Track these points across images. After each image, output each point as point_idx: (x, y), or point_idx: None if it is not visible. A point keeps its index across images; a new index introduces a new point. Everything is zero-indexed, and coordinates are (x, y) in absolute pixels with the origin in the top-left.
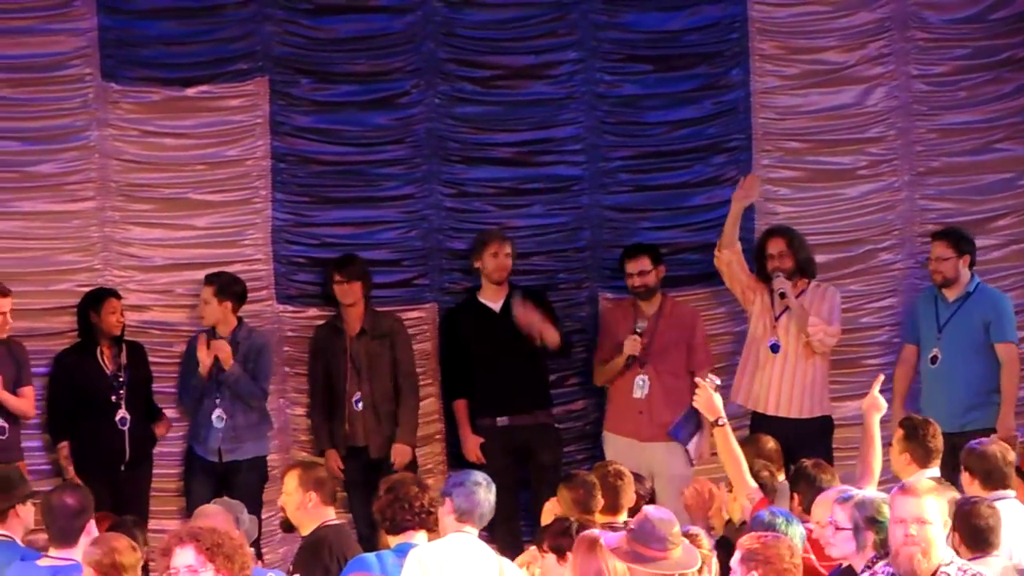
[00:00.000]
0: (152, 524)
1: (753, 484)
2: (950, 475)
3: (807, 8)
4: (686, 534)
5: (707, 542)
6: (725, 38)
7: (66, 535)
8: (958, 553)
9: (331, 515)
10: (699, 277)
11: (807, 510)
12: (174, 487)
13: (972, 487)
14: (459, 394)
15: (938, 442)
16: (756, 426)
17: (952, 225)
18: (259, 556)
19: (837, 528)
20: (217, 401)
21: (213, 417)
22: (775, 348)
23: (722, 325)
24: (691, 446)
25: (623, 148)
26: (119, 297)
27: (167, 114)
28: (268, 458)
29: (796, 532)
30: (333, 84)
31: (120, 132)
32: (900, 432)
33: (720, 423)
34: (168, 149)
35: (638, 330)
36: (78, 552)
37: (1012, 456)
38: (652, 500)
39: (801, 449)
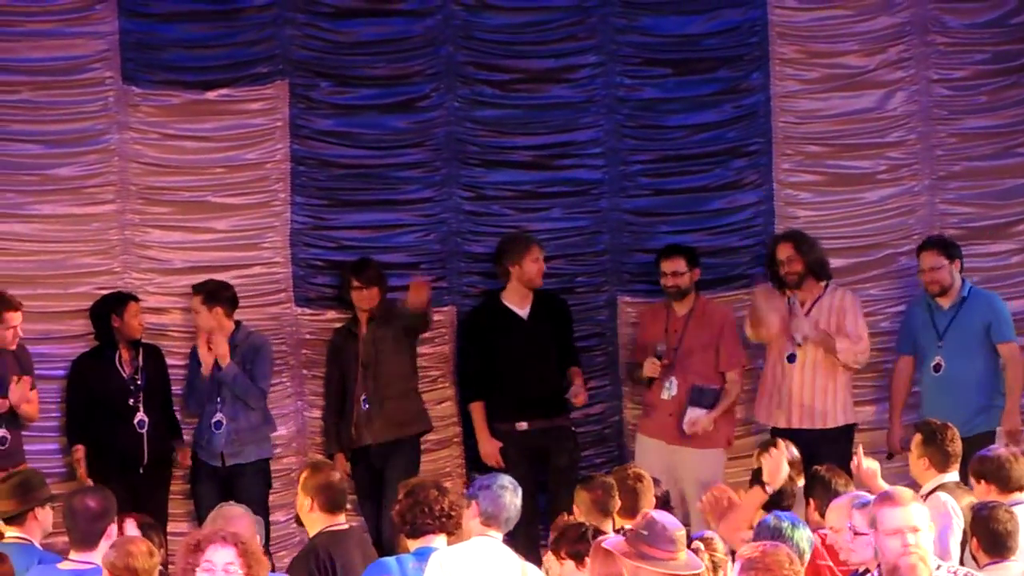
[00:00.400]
0: None
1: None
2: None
3: (827, 12)
4: (702, 538)
5: (722, 547)
6: (745, 42)
7: (87, 538)
8: (976, 558)
9: (336, 521)
10: (718, 281)
11: (824, 515)
12: (181, 490)
13: (989, 494)
14: (476, 396)
15: (956, 446)
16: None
17: (934, 235)
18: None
19: (856, 533)
20: (219, 405)
21: (213, 421)
22: (791, 359)
23: (740, 330)
24: (694, 414)
25: (643, 152)
26: (138, 300)
27: (187, 117)
28: (286, 460)
29: (803, 536)
30: (353, 88)
31: (140, 135)
32: (918, 437)
33: (767, 489)
34: (188, 152)
35: (659, 353)
36: (98, 556)
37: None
38: (666, 504)
39: (824, 459)
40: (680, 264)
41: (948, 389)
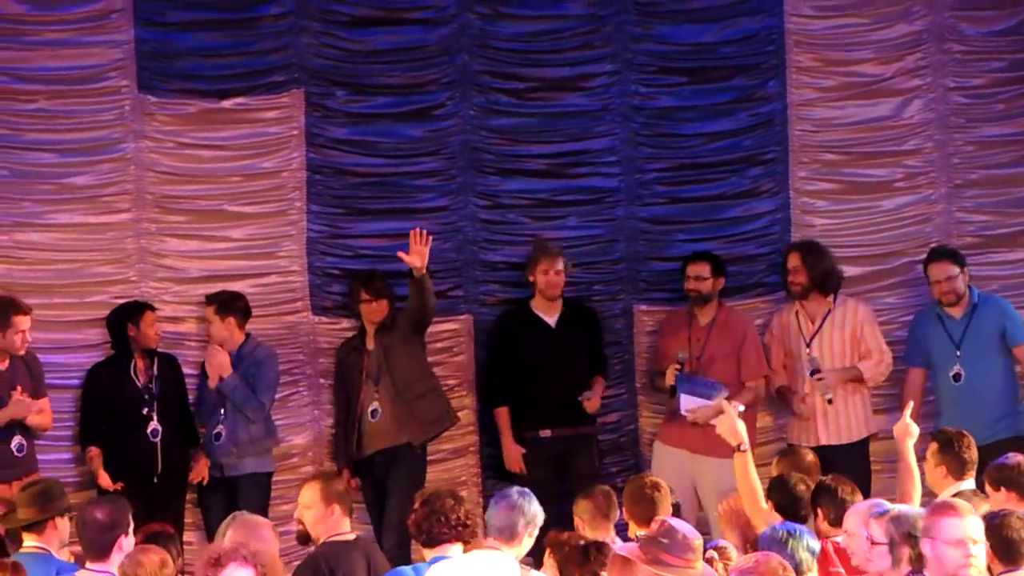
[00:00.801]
0: None
1: (765, 507)
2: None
3: (844, 20)
4: (716, 548)
5: (736, 556)
6: (761, 50)
7: (97, 549)
8: (989, 567)
9: (345, 528)
10: (734, 290)
11: (832, 524)
12: (191, 499)
13: (1008, 502)
14: (501, 402)
15: (973, 453)
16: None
17: (939, 246)
18: None
19: (873, 543)
20: (221, 416)
21: (214, 432)
22: (813, 374)
23: (760, 338)
24: (692, 402)
25: (658, 160)
26: (155, 310)
27: (203, 126)
28: (303, 470)
29: (802, 546)
30: (368, 96)
31: (156, 144)
32: (935, 445)
33: (742, 448)
34: (204, 161)
35: (680, 361)
36: (113, 566)
37: None
38: (677, 513)
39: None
40: (704, 269)
41: (969, 398)
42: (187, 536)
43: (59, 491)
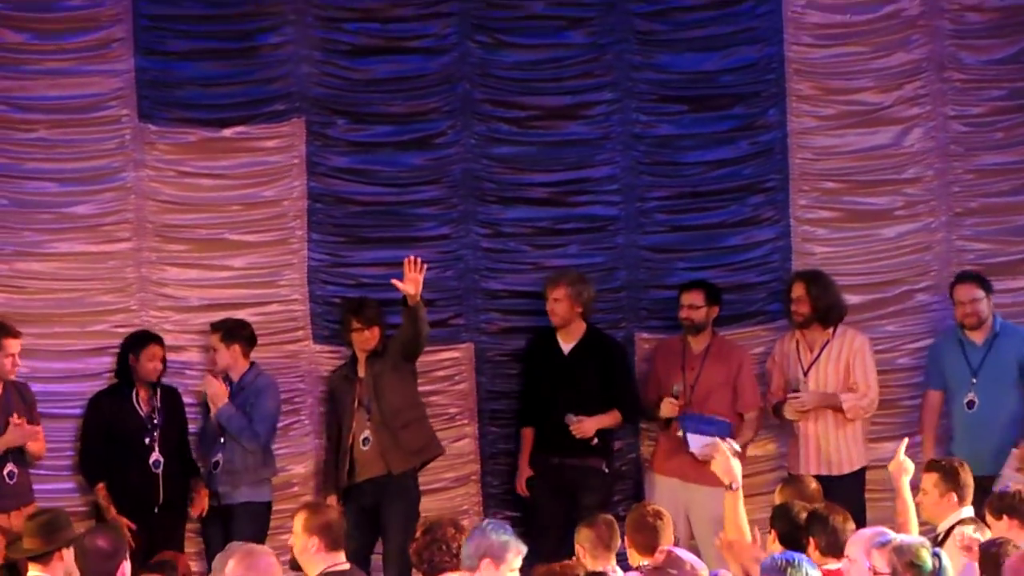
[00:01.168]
0: None
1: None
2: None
3: (844, 49)
4: None
5: None
6: (761, 79)
7: None
8: None
9: (337, 560)
10: (734, 318)
11: (824, 552)
12: (192, 528)
13: (1011, 530)
14: (526, 423)
15: (970, 479)
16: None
17: (968, 269)
18: None
19: (875, 573)
20: (221, 443)
21: (213, 461)
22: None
23: (760, 366)
24: (702, 441)
25: (659, 188)
26: (162, 344)
27: (204, 155)
28: (306, 499)
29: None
30: (369, 125)
31: (157, 173)
32: (936, 476)
33: (733, 487)
34: (204, 190)
35: (675, 393)
36: None
37: None
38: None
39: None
40: (698, 298)
41: (981, 426)
42: (192, 565)
43: (65, 522)
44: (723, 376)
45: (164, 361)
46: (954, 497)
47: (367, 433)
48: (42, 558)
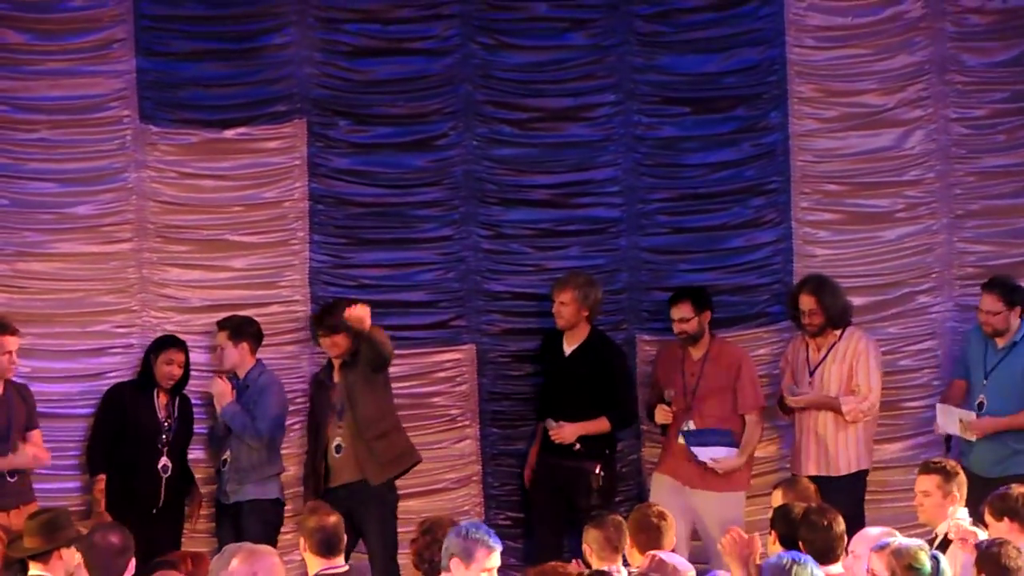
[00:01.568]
0: None
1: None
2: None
3: (846, 51)
4: None
5: None
6: (763, 81)
7: (108, 574)
8: None
9: (333, 563)
10: (738, 319)
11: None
12: (204, 528)
13: (1012, 532)
14: (540, 417)
15: (964, 479)
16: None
17: (999, 274)
18: None
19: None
20: (230, 443)
21: (222, 459)
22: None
23: (763, 367)
24: (711, 452)
25: (661, 190)
26: (184, 349)
27: (205, 156)
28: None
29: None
30: (371, 126)
31: (158, 174)
32: (937, 479)
33: None
34: (206, 191)
35: (667, 399)
36: None
37: None
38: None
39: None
40: (686, 310)
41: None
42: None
43: (66, 521)
44: (723, 380)
45: (186, 368)
46: (956, 497)
47: (339, 440)
48: (42, 557)
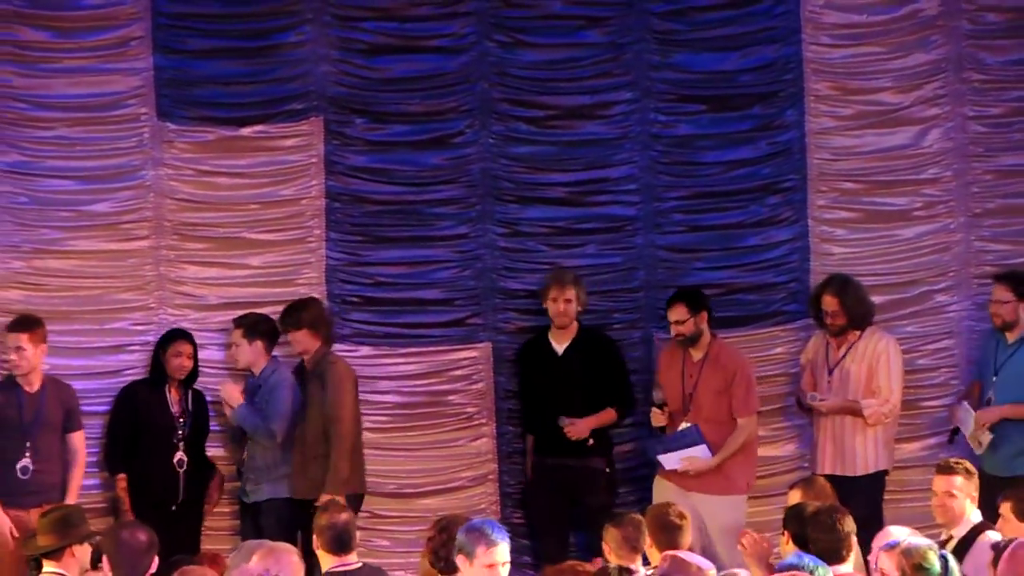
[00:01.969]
0: None
1: None
2: (994, 519)
3: (862, 49)
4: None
5: None
6: (780, 79)
7: (135, 572)
8: None
9: (345, 561)
10: (754, 318)
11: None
12: (227, 526)
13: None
14: (527, 429)
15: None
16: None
17: (1014, 267)
18: None
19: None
20: (246, 441)
21: (242, 458)
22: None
23: (779, 366)
24: (677, 456)
25: (677, 188)
26: (191, 341)
27: (222, 153)
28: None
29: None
30: (387, 124)
31: (175, 171)
32: (960, 479)
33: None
34: (223, 188)
35: (659, 403)
36: None
37: None
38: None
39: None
40: (681, 312)
41: (995, 426)
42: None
43: (79, 518)
44: (720, 383)
45: (195, 360)
46: (974, 497)
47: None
48: (55, 554)
